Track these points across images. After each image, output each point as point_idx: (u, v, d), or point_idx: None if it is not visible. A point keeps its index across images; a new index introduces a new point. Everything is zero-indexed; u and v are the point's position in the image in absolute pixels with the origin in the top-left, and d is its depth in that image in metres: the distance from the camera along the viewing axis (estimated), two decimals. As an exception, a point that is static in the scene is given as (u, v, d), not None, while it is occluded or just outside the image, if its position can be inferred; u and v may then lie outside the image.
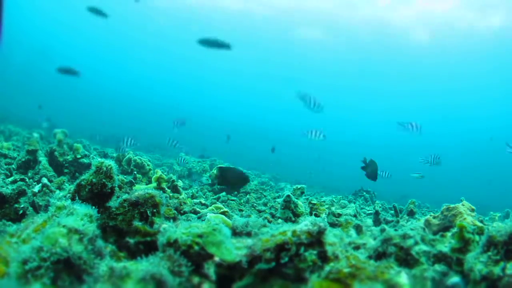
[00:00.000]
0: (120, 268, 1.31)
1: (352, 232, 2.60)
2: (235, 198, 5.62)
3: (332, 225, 2.88)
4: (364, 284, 1.32)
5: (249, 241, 1.54)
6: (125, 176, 4.46)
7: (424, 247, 1.71)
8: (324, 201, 3.91)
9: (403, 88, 40.64)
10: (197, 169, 8.89)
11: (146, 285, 1.25)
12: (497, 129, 40.24)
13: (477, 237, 1.73)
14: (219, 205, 3.69)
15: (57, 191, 3.23)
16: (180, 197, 3.92)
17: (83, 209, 1.52)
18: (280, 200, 3.95)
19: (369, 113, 46.29)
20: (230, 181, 5.64)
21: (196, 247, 1.42)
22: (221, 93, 49.85)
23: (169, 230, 1.50)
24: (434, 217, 2.92)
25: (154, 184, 3.86)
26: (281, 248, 1.41)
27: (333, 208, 3.19)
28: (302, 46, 36.31)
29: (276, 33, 34.67)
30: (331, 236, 1.60)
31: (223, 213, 3.26)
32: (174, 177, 4.18)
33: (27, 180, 3.65)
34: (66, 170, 4.78)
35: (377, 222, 3.88)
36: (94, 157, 5.42)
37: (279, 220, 3.44)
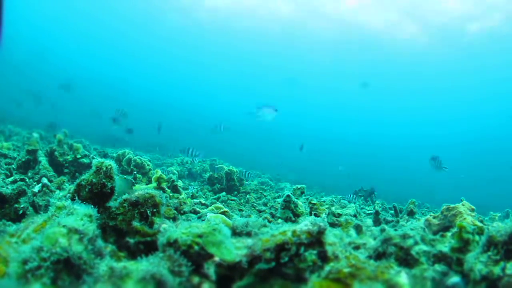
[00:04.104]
0: (120, 268, 1.31)
1: (352, 232, 2.60)
2: (235, 198, 5.62)
3: (332, 225, 2.88)
4: (364, 284, 1.32)
5: (249, 241, 1.54)
6: (125, 176, 4.46)
7: (424, 247, 1.71)
8: (324, 201, 3.91)
9: (404, 88, 40.65)
10: (197, 169, 8.90)
11: (146, 285, 1.25)
12: (496, 128, 40.29)
13: (477, 237, 1.73)
14: (219, 205, 3.69)
15: (57, 191, 3.22)
16: (180, 197, 3.92)
17: (83, 209, 1.52)
18: (280, 200, 3.95)
19: (369, 112, 46.31)
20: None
21: (196, 247, 1.42)
22: (221, 93, 49.89)
23: (169, 230, 1.50)
24: (434, 217, 2.92)
25: (154, 184, 3.87)
26: (281, 248, 1.41)
27: (333, 208, 3.19)
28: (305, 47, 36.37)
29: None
30: (331, 236, 1.60)
31: (223, 213, 3.26)
32: (174, 177, 4.18)
33: (27, 180, 3.65)
34: (66, 170, 4.78)
35: (377, 222, 3.88)
36: (94, 157, 5.41)
37: (279, 220, 3.44)
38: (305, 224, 1.46)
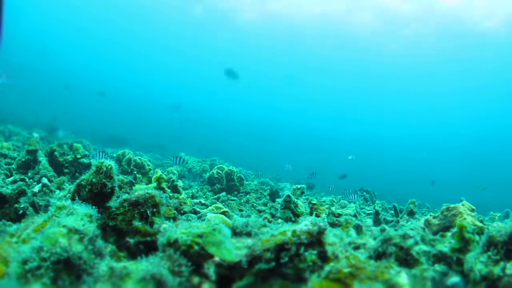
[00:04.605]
0: (120, 268, 1.31)
1: (352, 232, 2.60)
2: (235, 198, 5.62)
3: (332, 225, 2.89)
4: (364, 284, 1.32)
5: (249, 241, 1.53)
6: (125, 176, 4.46)
7: (424, 247, 1.71)
8: (324, 201, 3.91)
9: (404, 90, 40.63)
10: (197, 169, 8.89)
11: (146, 285, 1.25)
12: (496, 130, 40.29)
13: (477, 237, 1.72)
14: (219, 205, 3.69)
15: (57, 191, 3.23)
16: (180, 197, 3.92)
17: (83, 209, 1.52)
18: (280, 200, 3.95)
19: (368, 112, 46.30)
20: None
21: (196, 247, 1.42)
22: (223, 92, 49.89)
23: (169, 230, 1.50)
24: (434, 217, 2.92)
25: (154, 184, 3.86)
26: (281, 248, 1.41)
27: (333, 208, 3.19)
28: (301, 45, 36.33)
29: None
30: (331, 236, 1.60)
31: (223, 213, 3.26)
32: (174, 177, 4.18)
33: (27, 180, 3.65)
34: (66, 170, 4.78)
35: (377, 222, 3.88)
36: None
37: (279, 220, 3.44)
38: (305, 224, 1.46)
